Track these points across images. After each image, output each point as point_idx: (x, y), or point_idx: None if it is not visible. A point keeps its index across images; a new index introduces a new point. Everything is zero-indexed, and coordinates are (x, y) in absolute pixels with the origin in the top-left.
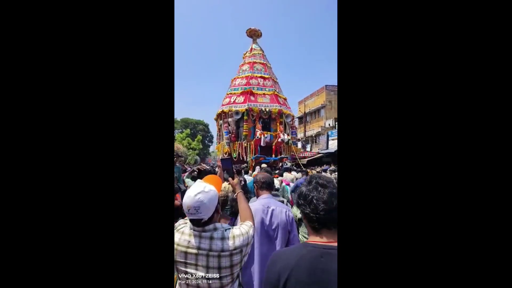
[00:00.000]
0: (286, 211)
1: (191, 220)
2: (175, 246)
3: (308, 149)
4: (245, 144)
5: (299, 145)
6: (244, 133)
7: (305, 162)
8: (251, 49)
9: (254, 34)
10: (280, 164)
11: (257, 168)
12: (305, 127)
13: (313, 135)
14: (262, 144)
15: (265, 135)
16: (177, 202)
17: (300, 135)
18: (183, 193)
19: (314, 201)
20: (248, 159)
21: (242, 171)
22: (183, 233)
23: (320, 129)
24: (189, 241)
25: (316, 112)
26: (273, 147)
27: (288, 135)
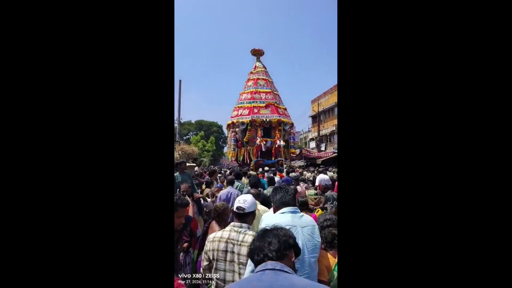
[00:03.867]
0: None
1: (237, 208)
2: (218, 239)
3: (322, 148)
4: (249, 150)
5: (313, 144)
6: (245, 139)
7: (320, 162)
8: (255, 67)
9: (257, 53)
10: (285, 166)
11: (259, 169)
12: (318, 126)
13: (328, 134)
14: (262, 149)
15: (265, 142)
16: (180, 220)
17: (313, 134)
18: (197, 203)
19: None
20: (252, 162)
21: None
22: (223, 231)
23: (334, 128)
24: (229, 234)
25: (330, 111)
26: (272, 151)
27: (283, 141)
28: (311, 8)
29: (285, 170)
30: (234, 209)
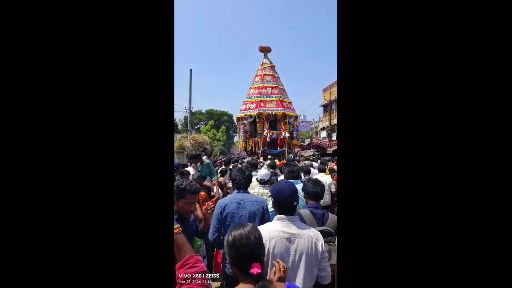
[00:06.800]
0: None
1: (260, 178)
2: (253, 192)
3: (334, 138)
4: (257, 140)
5: (324, 134)
6: (259, 131)
7: (330, 152)
8: (262, 63)
9: (265, 50)
10: (290, 155)
11: (261, 158)
12: (330, 116)
13: None
14: (268, 140)
15: (271, 133)
16: (189, 207)
17: (325, 123)
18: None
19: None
20: (259, 151)
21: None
22: (254, 188)
23: None
24: (258, 190)
25: None
26: (278, 142)
27: (288, 132)
28: None
29: (285, 160)
30: (258, 179)
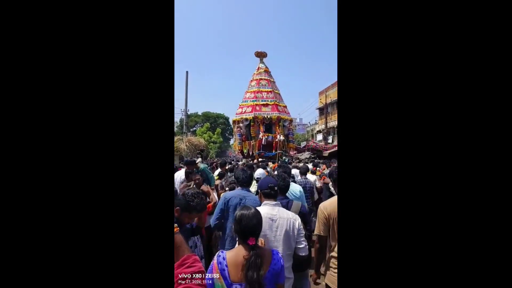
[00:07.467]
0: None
1: (256, 177)
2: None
3: (330, 141)
4: (252, 143)
5: (320, 137)
6: (252, 134)
7: (326, 155)
8: (258, 68)
9: (260, 55)
10: (284, 158)
11: (254, 160)
12: (326, 119)
13: (335, 126)
14: (264, 143)
15: (266, 136)
16: (190, 220)
17: (321, 126)
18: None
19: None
20: (255, 153)
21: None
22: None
23: None
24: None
25: (337, 103)
26: (273, 145)
27: (283, 135)
28: None
29: (278, 162)
30: (255, 178)
